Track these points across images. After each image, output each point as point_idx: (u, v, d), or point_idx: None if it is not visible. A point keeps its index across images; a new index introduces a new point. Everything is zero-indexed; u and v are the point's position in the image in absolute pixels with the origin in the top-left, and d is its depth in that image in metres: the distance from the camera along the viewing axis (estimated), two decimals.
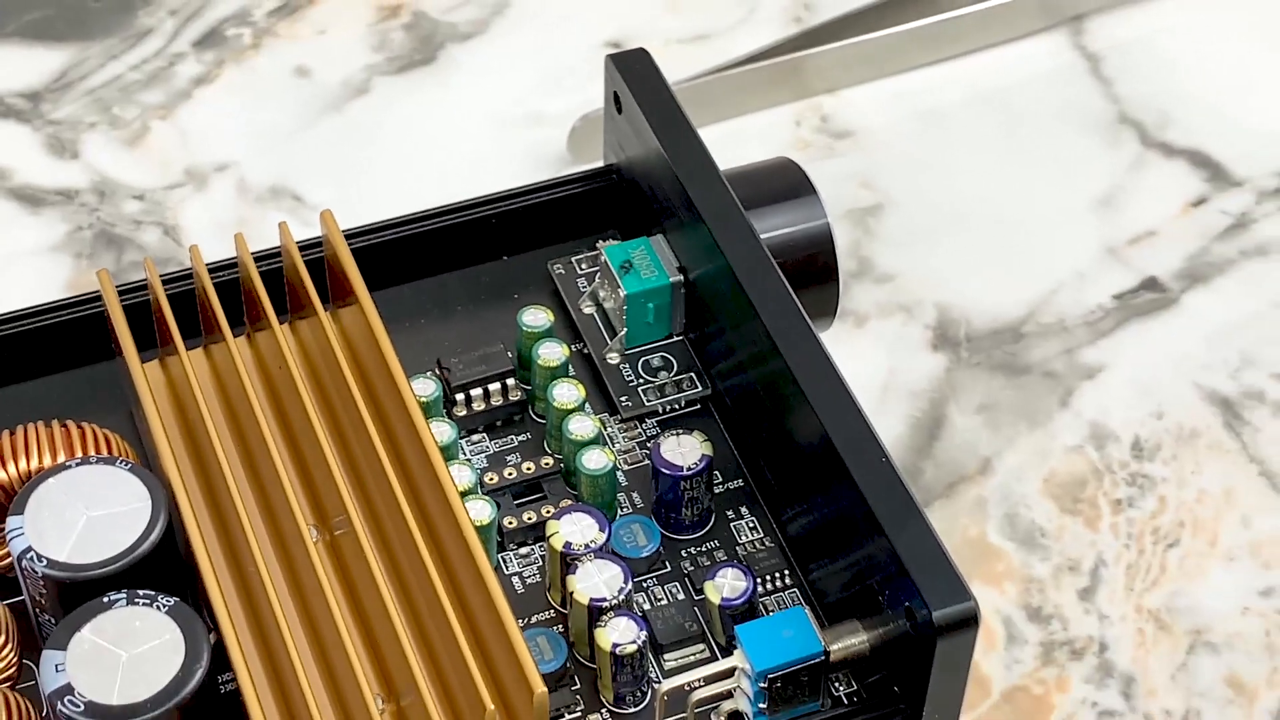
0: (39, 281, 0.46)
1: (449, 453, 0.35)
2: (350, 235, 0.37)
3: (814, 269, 0.38)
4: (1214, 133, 0.50)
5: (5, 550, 0.33)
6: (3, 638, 0.31)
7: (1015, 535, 0.42)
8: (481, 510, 0.34)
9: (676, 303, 0.37)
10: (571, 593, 0.33)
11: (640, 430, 0.37)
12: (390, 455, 0.32)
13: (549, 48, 0.52)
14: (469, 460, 0.36)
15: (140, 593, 0.30)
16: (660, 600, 0.34)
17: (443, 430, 0.35)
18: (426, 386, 0.36)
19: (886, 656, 0.32)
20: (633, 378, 0.37)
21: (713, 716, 0.32)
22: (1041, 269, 0.47)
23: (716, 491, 0.36)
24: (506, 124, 0.50)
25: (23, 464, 0.32)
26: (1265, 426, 0.44)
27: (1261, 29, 0.53)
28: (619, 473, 0.36)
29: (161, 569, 0.31)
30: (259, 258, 0.35)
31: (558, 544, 0.33)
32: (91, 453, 0.33)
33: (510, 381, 0.36)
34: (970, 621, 0.30)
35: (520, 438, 0.36)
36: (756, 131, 0.50)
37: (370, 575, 0.31)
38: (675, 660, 0.33)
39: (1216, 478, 0.43)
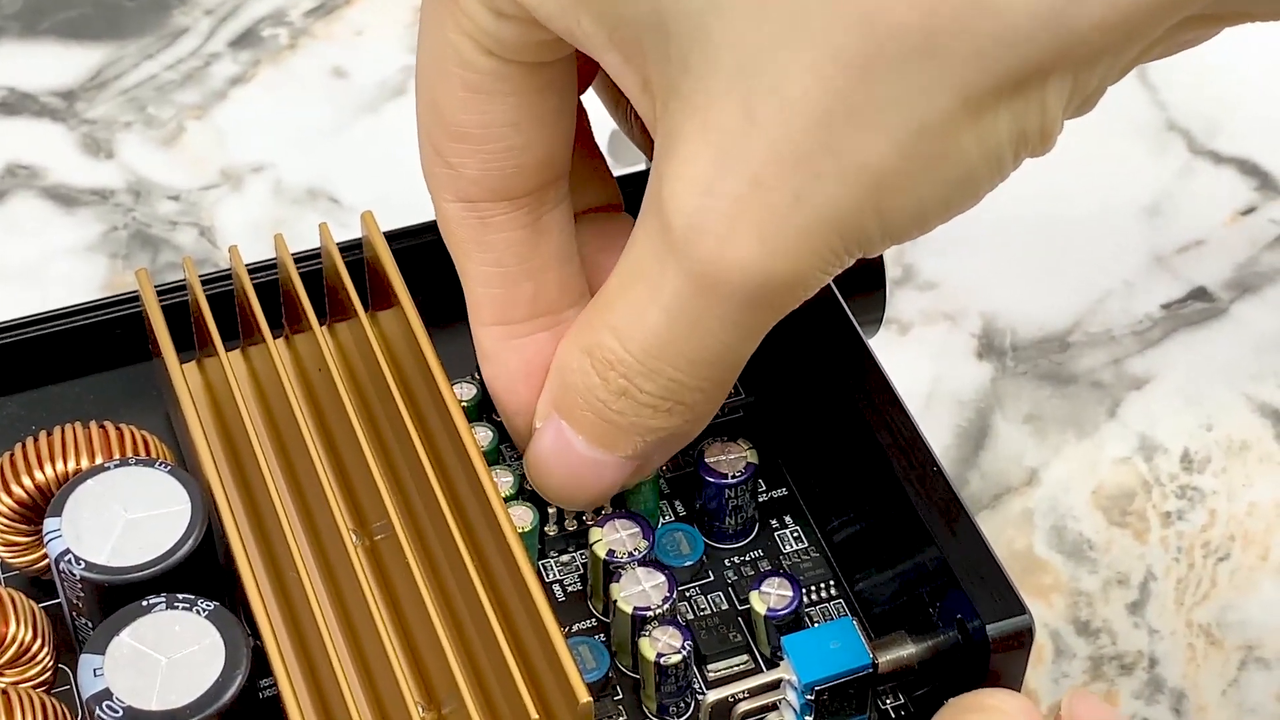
0: (74, 282, 0.46)
1: (491, 457, 0.35)
2: (390, 237, 0.37)
3: (861, 275, 0.38)
4: (1263, 141, 0.49)
5: (42, 553, 0.32)
6: (39, 641, 0.31)
7: (1063, 548, 0.41)
8: (524, 516, 0.33)
9: None
10: (615, 601, 0.32)
11: None
12: (431, 459, 0.32)
13: None
14: (510, 465, 0.35)
15: (180, 596, 0.30)
16: (704, 610, 0.34)
17: (484, 434, 0.35)
18: (468, 390, 0.35)
19: (936, 669, 0.31)
20: None
21: None
22: (1088, 277, 0.46)
23: (760, 500, 0.35)
24: None
25: (60, 465, 0.32)
26: None
27: None
28: (662, 480, 0.35)
29: (201, 572, 0.31)
30: (298, 259, 0.35)
31: (600, 551, 0.33)
32: (129, 454, 0.32)
33: None
34: (1025, 636, 0.30)
35: None
36: None
37: (411, 581, 0.31)
38: (719, 671, 0.33)
39: (1267, 490, 0.42)
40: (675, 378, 0.29)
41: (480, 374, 0.36)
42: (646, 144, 0.33)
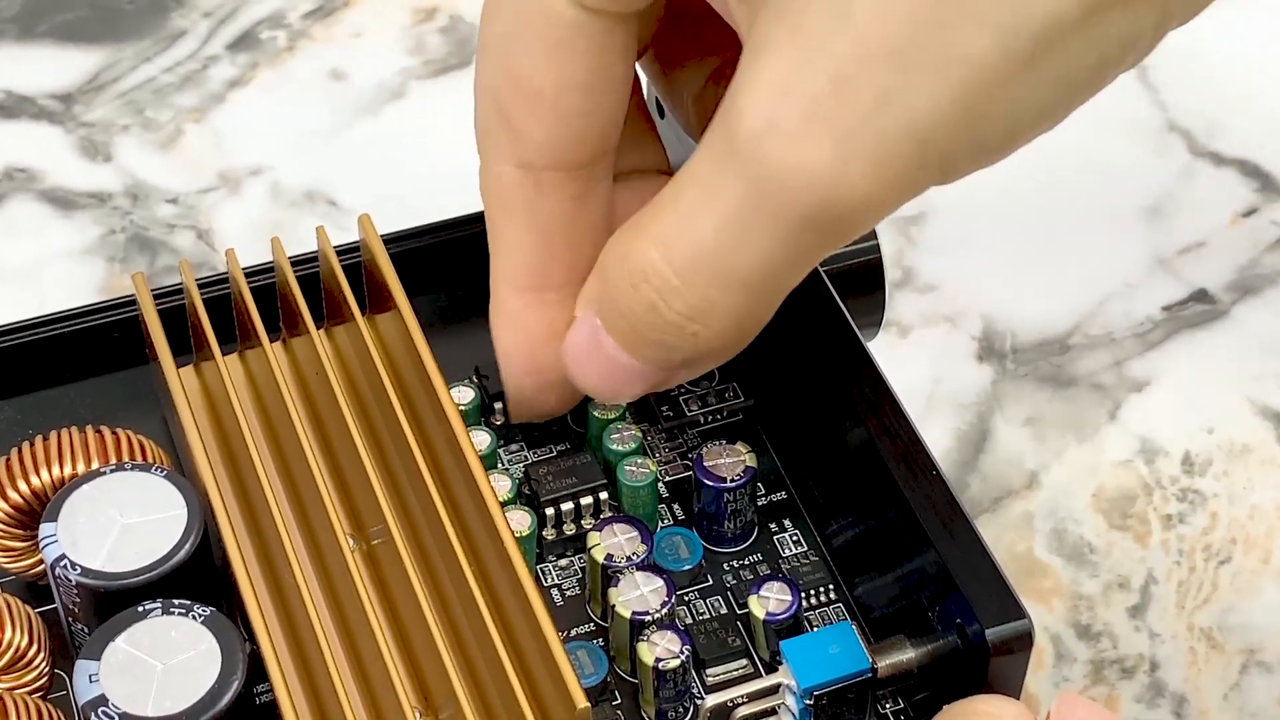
0: (72, 285, 0.46)
1: (488, 461, 0.34)
2: (387, 240, 0.37)
3: (860, 277, 0.38)
4: (1264, 142, 0.49)
5: (38, 558, 0.32)
6: (35, 646, 0.31)
7: (1063, 551, 0.41)
8: (522, 520, 0.33)
9: None
10: (613, 606, 0.32)
11: (682, 440, 0.36)
12: (429, 463, 0.32)
13: None
14: (508, 469, 0.35)
15: (176, 602, 0.30)
16: (702, 614, 0.34)
17: (482, 438, 0.34)
18: (465, 394, 0.35)
19: (935, 674, 0.31)
20: (674, 387, 0.36)
21: None
22: (1088, 279, 0.46)
23: (760, 504, 0.35)
24: None
25: (55, 470, 0.32)
26: None
27: None
28: (660, 484, 0.35)
29: (197, 578, 0.31)
30: (295, 262, 0.35)
31: (599, 556, 0.33)
32: (126, 459, 0.32)
33: None
34: (1025, 640, 0.29)
35: (559, 446, 0.36)
36: None
37: (408, 585, 0.31)
38: (718, 676, 0.33)
39: (1269, 493, 0.42)
40: (709, 295, 0.27)
41: (477, 376, 0.36)
42: (694, 121, 0.33)
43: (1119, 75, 0.26)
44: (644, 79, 0.34)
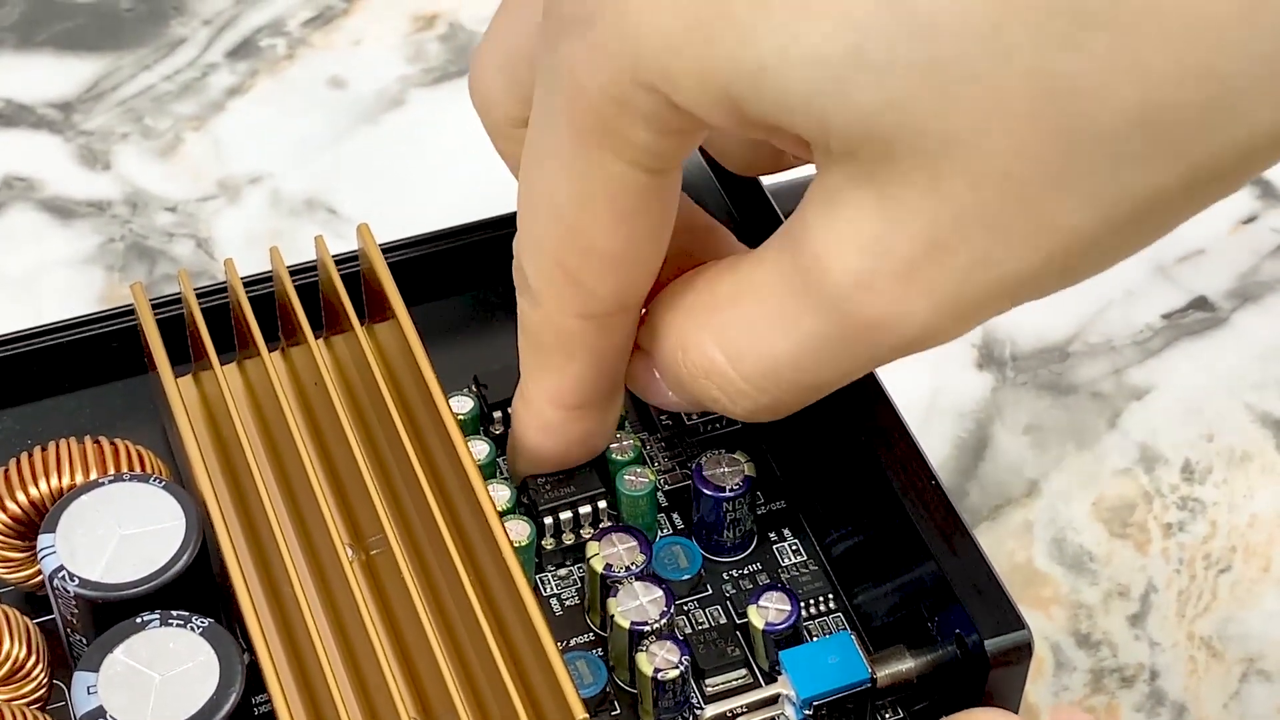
0: (71, 294, 0.46)
1: (487, 471, 0.34)
2: (386, 249, 0.37)
3: None
4: None
5: (37, 569, 0.32)
6: (33, 658, 0.31)
7: (1063, 559, 0.41)
8: (520, 530, 0.33)
9: None
10: (612, 616, 0.32)
11: (681, 450, 0.36)
12: (427, 473, 0.32)
13: None
14: (507, 479, 0.35)
15: (174, 613, 0.30)
16: (702, 624, 0.33)
17: (481, 448, 0.34)
18: (464, 404, 0.35)
19: (934, 684, 0.31)
20: None
21: None
22: (1088, 287, 0.46)
23: (759, 513, 0.35)
24: None
25: (54, 481, 0.32)
26: None
27: None
28: (659, 493, 0.35)
29: (196, 589, 0.31)
30: (294, 271, 0.35)
31: (598, 565, 0.33)
32: (124, 469, 0.32)
33: None
34: (1024, 650, 0.29)
35: None
36: None
37: (407, 595, 0.31)
38: (717, 686, 0.33)
39: (1269, 501, 0.42)
40: (779, 398, 0.28)
41: (476, 385, 0.36)
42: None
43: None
44: None
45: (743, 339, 0.28)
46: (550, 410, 0.32)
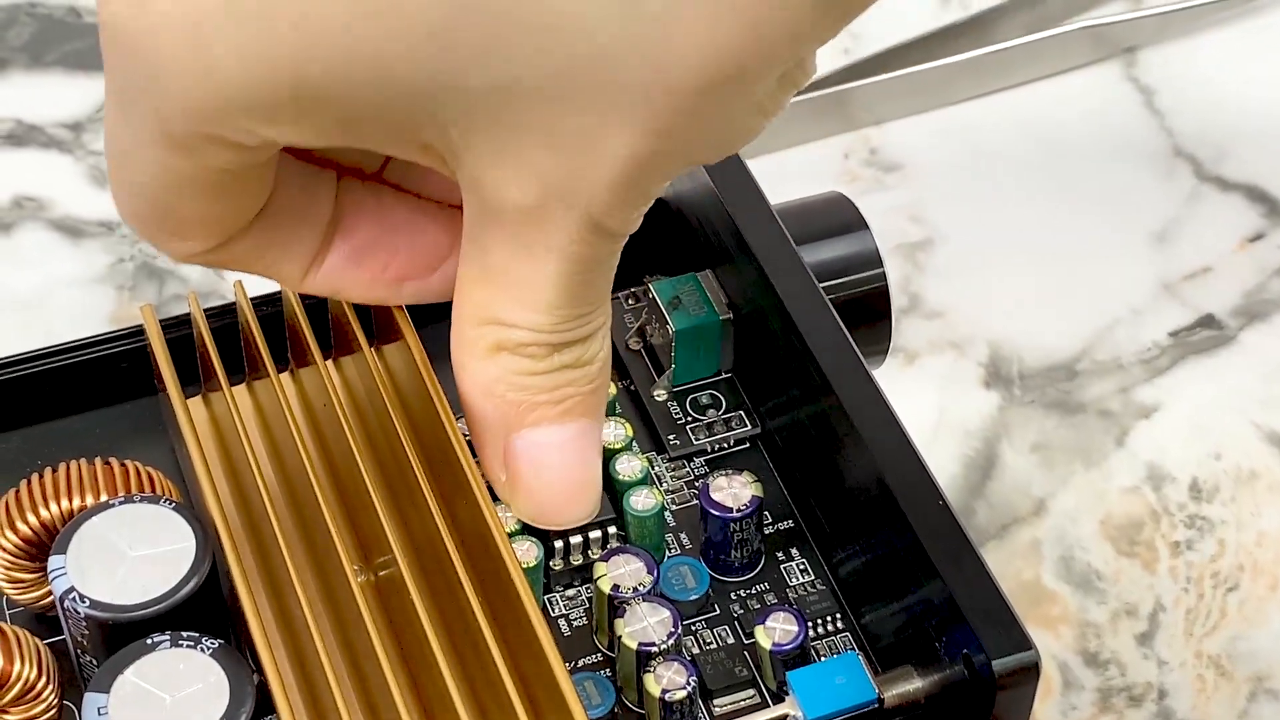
0: (81, 314, 0.46)
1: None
2: None
3: (866, 305, 0.38)
4: (1270, 166, 0.49)
5: (47, 590, 0.32)
6: (44, 679, 0.31)
7: (1071, 578, 0.41)
8: (529, 551, 0.33)
9: (726, 340, 0.37)
10: (620, 636, 0.32)
11: (688, 469, 0.36)
12: (436, 494, 0.32)
13: None
14: None
15: (184, 634, 0.30)
16: (709, 644, 0.34)
17: None
18: None
19: (942, 704, 0.31)
20: (681, 416, 0.37)
21: None
22: (1095, 305, 0.46)
23: (766, 533, 0.35)
24: None
25: (65, 503, 0.32)
26: None
27: None
28: (667, 513, 0.35)
29: (206, 610, 0.31)
30: (303, 293, 0.35)
31: (605, 586, 0.33)
32: (134, 491, 0.32)
33: None
34: (1031, 671, 0.29)
35: None
36: (805, 164, 0.49)
37: (415, 616, 0.31)
38: (725, 706, 0.33)
39: (1277, 520, 0.42)
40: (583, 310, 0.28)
41: None
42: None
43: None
44: None
45: (518, 299, 0.28)
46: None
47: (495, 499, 0.34)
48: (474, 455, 0.33)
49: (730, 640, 0.34)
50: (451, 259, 0.31)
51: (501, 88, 0.25)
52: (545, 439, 0.29)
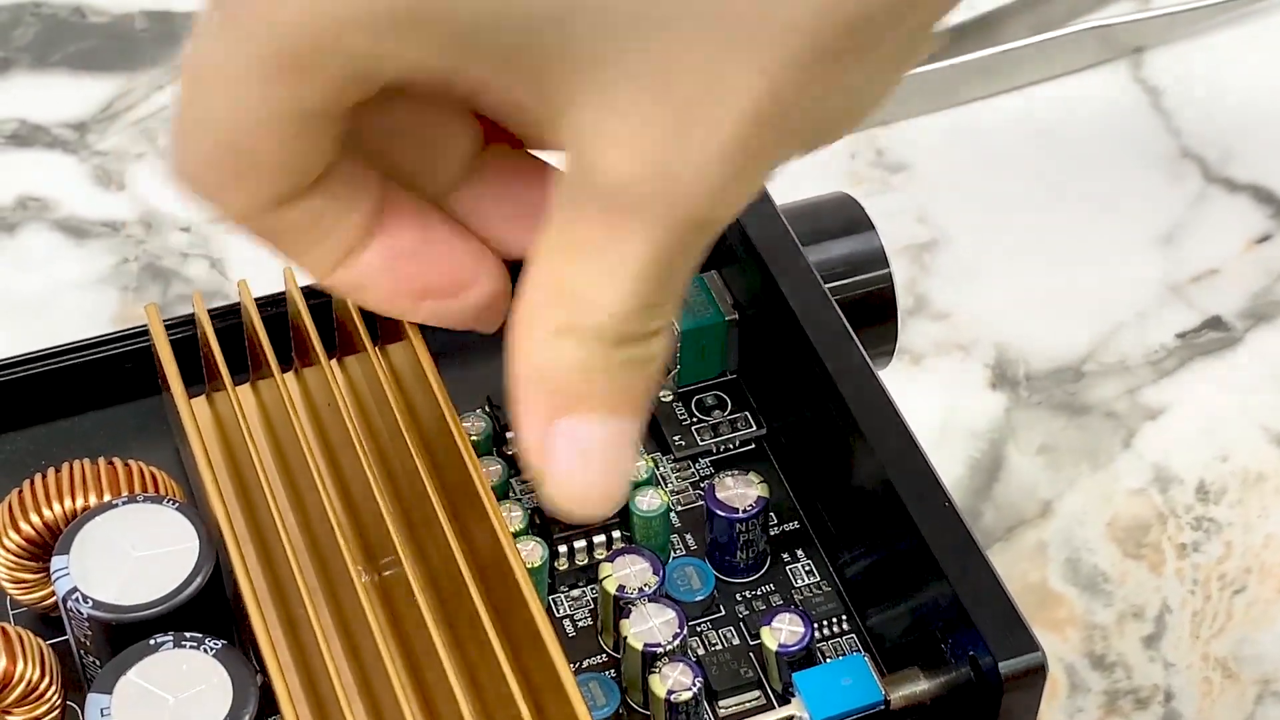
0: (85, 314, 0.46)
1: (500, 492, 0.34)
2: None
3: (873, 306, 0.38)
4: (1277, 168, 0.49)
5: (50, 590, 0.32)
6: (46, 679, 0.31)
7: (1077, 580, 0.41)
8: (534, 551, 0.33)
9: (731, 340, 0.37)
10: (625, 637, 0.32)
11: (694, 470, 0.36)
12: (440, 494, 0.32)
13: None
14: (520, 500, 0.35)
15: (188, 635, 0.30)
16: (715, 645, 0.33)
17: (494, 469, 0.34)
18: (477, 424, 0.35)
19: (948, 706, 0.31)
20: (686, 416, 0.36)
21: None
22: (1102, 307, 0.46)
23: (772, 534, 0.35)
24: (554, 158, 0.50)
25: (68, 503, 0.32)
26: None
27: None
28: (672, 514, 0.35)
29: (209, 610, 0.31)
30: (308, 293, 0.35)
31: (610, 587, 0.33)
32: (138, 491, 0.32)
33: None
34: (1038, 673, 0.29)
35: None
36: (811, 164, 0.49)
37: (420, 617, 0.31)
38: (730, 708, 0.33)
39: None
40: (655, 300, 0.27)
41: (490, 406, 0.36)
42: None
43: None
44: None
45: (594, 290, 0.27)
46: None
47: (499, 499, 0.33)
48: (479, 454, 0.33)
49: (736, 641, 0.33)
50: (476, 287, 0.30)
51: (614, 7, 0.24)
52: (590, 432, 0.28)
